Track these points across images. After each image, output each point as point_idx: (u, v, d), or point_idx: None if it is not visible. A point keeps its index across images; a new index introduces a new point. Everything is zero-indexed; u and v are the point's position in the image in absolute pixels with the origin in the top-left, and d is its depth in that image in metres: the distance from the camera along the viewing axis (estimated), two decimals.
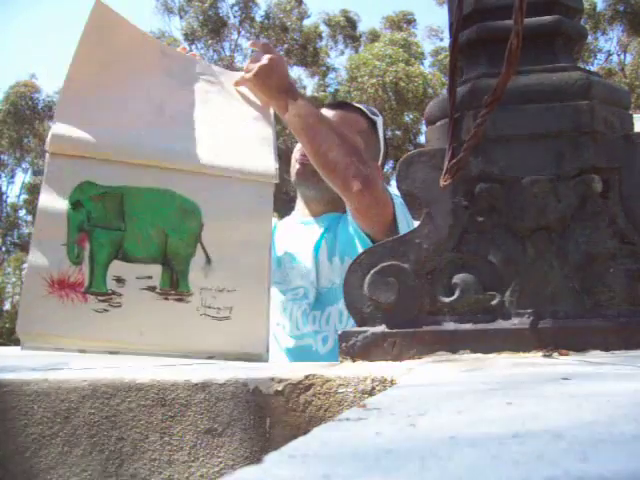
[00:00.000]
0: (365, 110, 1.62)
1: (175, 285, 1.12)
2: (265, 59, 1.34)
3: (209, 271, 1.13)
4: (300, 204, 1.67)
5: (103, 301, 1.09)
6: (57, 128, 1.14)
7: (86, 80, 1.17)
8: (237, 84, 1.32)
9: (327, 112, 1.57)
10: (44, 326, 1.06)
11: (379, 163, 1.62)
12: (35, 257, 1.09)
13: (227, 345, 1.11)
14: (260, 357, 1.13)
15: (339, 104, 1.68)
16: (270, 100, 1.33)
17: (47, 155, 1.15)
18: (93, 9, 1.20)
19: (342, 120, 1.55)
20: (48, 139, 1.14)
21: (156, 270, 1.12)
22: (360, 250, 1.46)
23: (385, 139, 1.68)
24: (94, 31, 1.19)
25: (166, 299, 1.11)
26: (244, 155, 1.22)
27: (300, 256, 1.57)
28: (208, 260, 1.14)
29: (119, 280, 1.10)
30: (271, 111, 1.34)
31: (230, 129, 1.25)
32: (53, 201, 1.11)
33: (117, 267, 1.10)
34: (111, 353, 1.06)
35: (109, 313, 1.08)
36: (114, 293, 1.09)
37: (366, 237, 1.46)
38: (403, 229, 1.36)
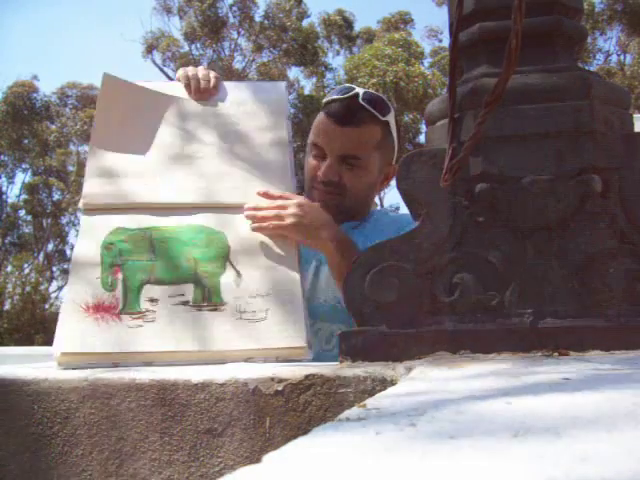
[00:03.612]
0: (377, 114, 1.45)
1: (207, 299, 1.15)
2: (294, 207, 1.23)
3: (241, 282, 1.17)
4: None
5: (137, 318, 1.13)
6: (88, 187, 1.25)
7: (108, 142, 1.30)
8: (262, 230, 1.23)
9: (337, 129, 1.43)
10: (79, 344, 1.09)
11: (394, 159, 1.56)
12: (71, 290, 1.15)
13: (267, 342, 1.10)
14: (302, 352, 1.10)
15: (349, 117, 1.43)
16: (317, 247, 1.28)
17: (82, 212, 1.24)
18: (103, 82, 1.35)
19: (356, 141, 1.43)
20: (81, 198, 1.24)
21: (188, 288, 1.16)
22: None
23: (398, 130, 1.56)
24: (107, 100, 1.34)
25: (199, 310, 1.14)
26: (262, 186, 1.28)
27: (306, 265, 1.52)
28: (238, 274, 1.18)
29: (152, 300, 1.15)
30: (287, 138, 1.34)
31: (247, 161, 1.31)
32: (87, 247, 1.19)
33: (150, 290, 1.16)
34: (145, 364, 1.05)
35: (143, 328, 1.11)
36: (147, 311, 1.13)
37: None
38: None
